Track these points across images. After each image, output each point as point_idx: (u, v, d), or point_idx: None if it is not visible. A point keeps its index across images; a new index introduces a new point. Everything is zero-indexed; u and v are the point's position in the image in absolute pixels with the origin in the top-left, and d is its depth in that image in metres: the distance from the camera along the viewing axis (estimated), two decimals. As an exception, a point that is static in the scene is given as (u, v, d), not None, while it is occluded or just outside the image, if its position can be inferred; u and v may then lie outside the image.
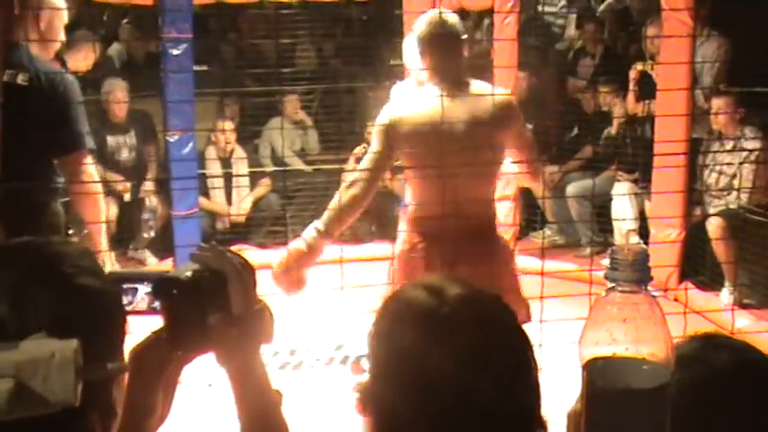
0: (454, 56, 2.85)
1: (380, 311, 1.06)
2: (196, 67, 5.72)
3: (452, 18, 2.90)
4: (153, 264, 5.91)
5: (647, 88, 5.36)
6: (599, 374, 0.89)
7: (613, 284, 0.86)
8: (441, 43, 2.83)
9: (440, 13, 2.88)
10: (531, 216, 6.15)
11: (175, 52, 5.52)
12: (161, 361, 1.07)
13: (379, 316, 1.06)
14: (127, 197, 5.82)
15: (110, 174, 5.67)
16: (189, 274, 1.09)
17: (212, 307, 1.09)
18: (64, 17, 3.70)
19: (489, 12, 5.99)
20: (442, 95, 2.77)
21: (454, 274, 2.65)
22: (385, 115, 2.86)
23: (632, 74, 5.46)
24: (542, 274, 3.19)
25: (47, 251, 0.91)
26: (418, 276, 2.67)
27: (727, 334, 1.16)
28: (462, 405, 0.97)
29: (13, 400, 0.75)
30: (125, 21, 6.98)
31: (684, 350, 0.98)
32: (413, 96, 2.97)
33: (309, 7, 6.41)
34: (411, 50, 3.82)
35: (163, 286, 1.08)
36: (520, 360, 1.02)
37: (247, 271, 1.13)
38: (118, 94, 5.76)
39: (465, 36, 2.93)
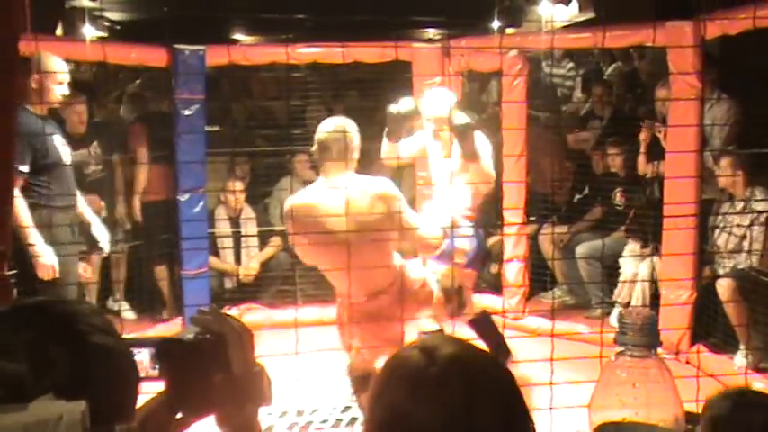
0: (343, 157, 3.46)
1: (381, 370, 1.08)
2: (208, 128, 5.80)
3: (342, 124, 3.55)
4: (130, 317, 5.89)
5: (655, 150, 5.40)
6: (609, 440, 0.88)
7: (623, 348, 0.86)
8: (328, 146, 3.48)
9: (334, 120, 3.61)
10: (541, 276, 6.12)
11: (187, 113, 5.61)
12: (165, 425, 1.06)
13: (379, 374, 1.07)
14: (103, 214, 5.57)
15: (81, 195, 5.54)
16: (191, 336, 1.10)
17: (214, 369, 1.10)
18: (58, 78, 4.04)
19: (497, 74, 6.07)
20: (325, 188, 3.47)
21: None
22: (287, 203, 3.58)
23: (642, 135, 5.50)
24: (552, 335, 3.16)
25: (61, 310, 0.91)
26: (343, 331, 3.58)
27: (756, 390, 1.14)
28: None
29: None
30: (137, 81, 7.11)
31: (718, 410, 0.97)
32: (309, 188, 3.66)
33: (319, 69, 6.52)
34: (427, 105, 4.13)
35: (166, 349, 1.08)
36: (507, 419, 1.01)
37: (246, 333, 1.15)
38: (77, 106, 5.54)
39: (354, 142, 3.54)
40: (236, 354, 1.12)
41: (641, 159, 5.57)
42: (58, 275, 4.03)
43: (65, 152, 4.35)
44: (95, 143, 5.74)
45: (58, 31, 7.50)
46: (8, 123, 1.95)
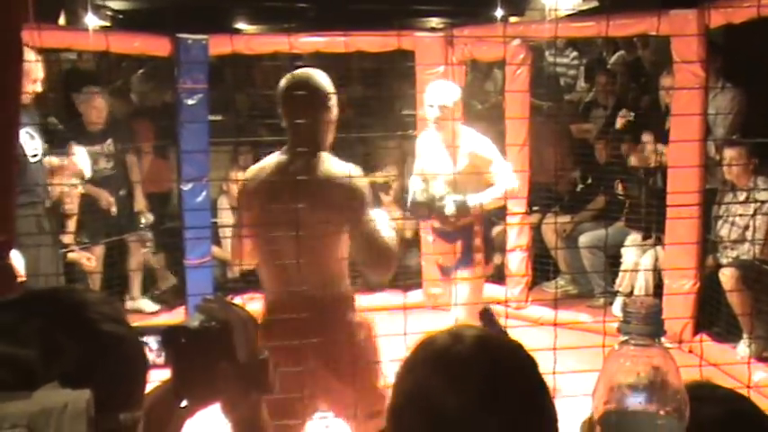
0: (308, 117, 2.64)
1: (407, 356, 1.08)
2: (211, 117, 5.80)
3: (316, 78, 2.71)
4: (153, 310, 5.92)
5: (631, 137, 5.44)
6: (612, 428, 0.88)
7: (626, 337, 0.86)
8: (294, 102, 2.64)
9: (306, 72, 2.73)
10: (544, 266, 6.12)
11: (190, 102, 5.60)
12: (169, 413, 1.07)
13: (405, 359, 1.08)
14: (113, 210, 5.66)
15: (91, 188, 5.50)
16: (196, 324, 1.10)
17: (219, 357, 1.11)
18: (34, 72, 3.96)
19: (501, 63, 6.06)
20: (282, 158, 2.65)
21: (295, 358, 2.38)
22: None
23: (619, 124, 5.53)
24: (555, 324, 3.16)
25: (71, 298, 0.92)
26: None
27: (714, 384, 1.14)
28: None
29: (25, 451, 0.75)
30: (140, 71, 7.10)
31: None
32: (266, 158, 2.81)
33: (323, 58, 6.51)
34: (432, 94, 4.05)
35: (172, 337, 1.09)
36: (531, 403, 1.02)
37: (251, 321, 1.16)
38: (96, 100, 5.63)
39: (327, 101, 2.69)
40: (242, 341, 1.13)
41: (625, 148, 5.61)
42: (23, 276, 3.89)
43: (31, 146, 4.31)
44: (110, 140, 5.76)
45: (61, 21, 7.48)
46: (10, 112, 1.95)
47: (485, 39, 5.67)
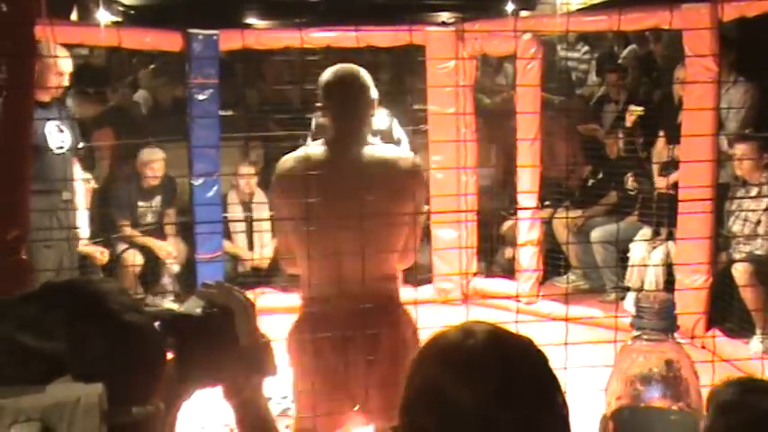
0: (358, 109, 2.55)
1: (418, 351, 1.09)
2: (221, 112, 5.81)
3: (363, 72, 2.60)
4: None
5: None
6: (625, 424, 0.87)
7: (639, 332, 0.85)
8: (340, 93, 2.55)
9: (351, 66, 2.62)
10: (555, 261, 6.10)
11: (201, 97, 5.61)
12: (173, 397, 1.08)
13: (416, 354, 1.08)
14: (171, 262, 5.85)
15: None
16: (198, 310, 1.12)
17: (222, 341, 1.13)
18: (60, 66, 4.04)
19: (511, 57, 6.04)
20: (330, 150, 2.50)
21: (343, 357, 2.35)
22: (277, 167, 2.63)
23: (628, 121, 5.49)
24: (567, 319, 3.15)
25: (91, 289, 0.92)
26: (305, 359, 2.41)
27: (761, 378, 1.13)
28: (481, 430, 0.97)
29: (38, 444, 0.76)
30: (151, 66, 7.12)
31: (723, 396, 0.97)
32: (305, 149, 2.66)
33: (334, 53, 6.51)
34: None
35: (174, 323, 1.10)
36: (543, 398, 1.02)
37: (251, 306, 1.18)
38: (156, 163, 5.81)
39: (372, 95, 2.59)
40: (243, 326, 1.15)
41: (660, 143, 5.57)
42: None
43: (58, 138, 4.35)
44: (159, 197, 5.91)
45: (73, 16, 7.51)
46: (25, 107, 1.96)
47: (496, 33, 5.65)
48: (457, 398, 0.98)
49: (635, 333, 0.87)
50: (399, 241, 2.54)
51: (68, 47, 5.72)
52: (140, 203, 5.79)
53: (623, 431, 0.88)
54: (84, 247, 5.20)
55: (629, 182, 5.88)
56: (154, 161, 5.78)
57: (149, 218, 5.91)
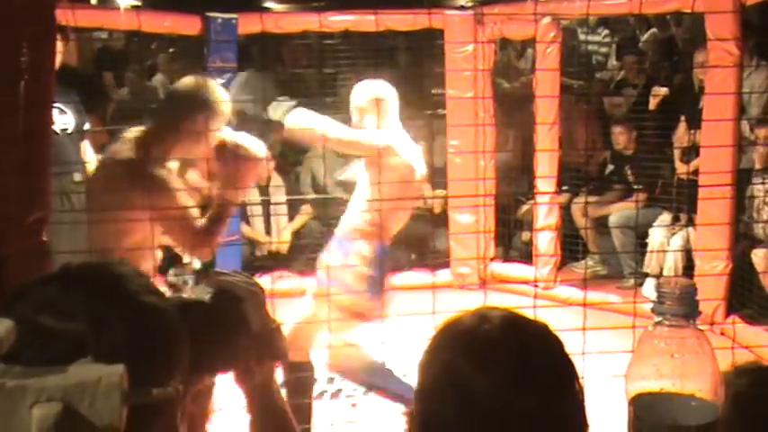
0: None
1: (432, 335, 1.08)
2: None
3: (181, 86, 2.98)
4: None
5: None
6: (646, 410, 0.87)
7: (660, 318, 0.85)
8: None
9: None
10: (573, 246, 6.08)
11: (219, 81, 5.60)
12: (185, 384, 1.09)
13: (430, 339, 1.08)
14: None
15: None
16: (208, 297, 1.13)
17: (233, 327, 1.14)
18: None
19: (532, 41, 5.99)
20: None
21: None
22: None
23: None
24: (584, 304, 3.14)
25: (109, 271, 0.92)
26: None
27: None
28: (502, 419, 0.97)
29: (60, 424, 0.76)
30: (170, 50, 7.13)
31: (737, 388, 0.95)
32: None
33: (352, 37, 6.49)
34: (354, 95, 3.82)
35: (186, 310, 1.10)
36: (560, 384, 1.01)
37: (260, 291, 1.19)
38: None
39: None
40: (253, 311, 1.15)
41: (680, 129, 5.52)
42: None
43: (60, 120, 4.36)
44: None
45: (93, 0, 7.53)
46: (46, 90, 1.97)
47: (515, 17, 5.60)
48: (473, 384, 0.97)
49: (656, 319, 0.87)
50: (125, 239, 2.63)
51: (88, 30, 5.76)
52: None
53: (643, 417, 0.88)
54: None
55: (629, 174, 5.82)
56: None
57: None
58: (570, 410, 1.00)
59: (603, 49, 7.17)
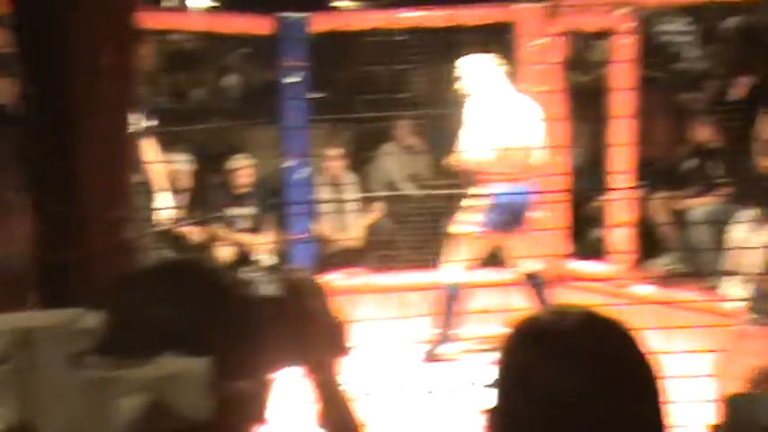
0: None
1: (510, 333, 1.07)
2: (311, 95, 5.88)
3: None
4: None
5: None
6: (740, 410, 0.84)
7: (756, 317, 0.81)
8: None
9: None
10: (651, 243, 5.93)
11: (292, 80, 5.68)
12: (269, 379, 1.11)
13: (507, 336, 1.07)
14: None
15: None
16: (275, 293, 1.15)
17: (299, 322, 1.16)
18: None
19: (605, 33, 5.87)
20: None
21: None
22: None
23: None
24: (664, 302, 3.06)
25: (202, 267, 0.95)
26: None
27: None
28: (583, 420, 0.96)
29: (147, 416, 0.78)
30: (243, 50, 7.25)
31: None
32: None
33: (422, 33, 6.47)
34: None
35: (262, 306, 1.13)
36: (639, 382, 1.00)
37: (323, 287, 1.22)
38: (242, 169, 6.04)
39: None
40: (317, 307, 1.18)
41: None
42: None
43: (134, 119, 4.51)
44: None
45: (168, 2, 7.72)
46: (127, 92, 2.02)
47: (589, 8, 5.50)
48: (558, 383, 0.96)
49: (752, 318, 0.83)
50: None
51: (162, 32, 5.91)
52: (232, 210, 6.00)
53: (736, 416, 0.85)
54: (176, 227, 5.39)
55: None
56: (241, 168, 5.97)
57: (241, 224, 6.07)
58: (649, 412, 0.99)
59: (683, 39, 6.95)
